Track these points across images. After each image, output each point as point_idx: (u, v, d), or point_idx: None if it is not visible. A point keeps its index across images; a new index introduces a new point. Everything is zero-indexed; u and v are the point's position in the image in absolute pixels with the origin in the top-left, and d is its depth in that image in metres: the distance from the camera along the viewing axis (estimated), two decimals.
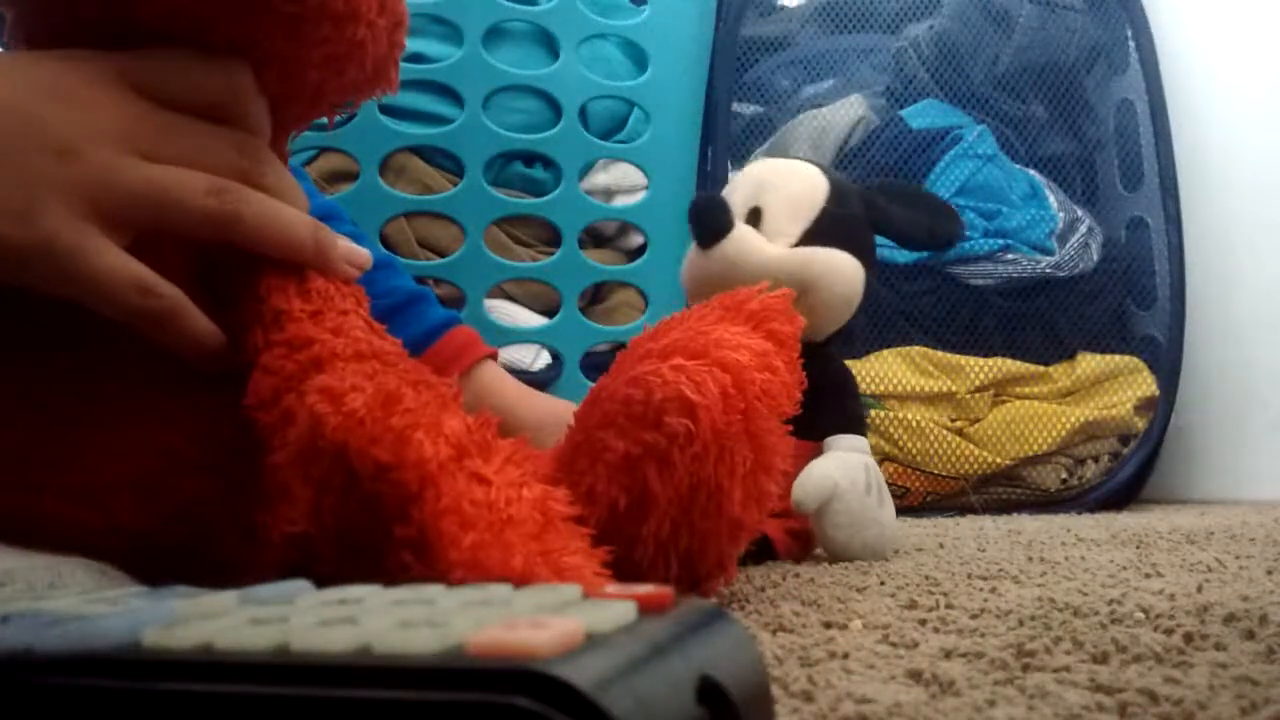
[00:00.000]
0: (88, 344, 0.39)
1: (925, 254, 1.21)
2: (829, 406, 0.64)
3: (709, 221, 0.63)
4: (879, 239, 0.69)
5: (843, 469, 0.63)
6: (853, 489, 0.63)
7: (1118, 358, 1.25)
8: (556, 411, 0.64)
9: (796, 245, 0.63)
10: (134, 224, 0.36)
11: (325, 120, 0.46)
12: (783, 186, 0.64)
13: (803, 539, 0.66)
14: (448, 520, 0.32)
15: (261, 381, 0.36)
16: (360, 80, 0.42)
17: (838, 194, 0.65)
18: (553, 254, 1.12)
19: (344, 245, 0.41)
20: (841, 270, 0.63)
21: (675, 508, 0.41)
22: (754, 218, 0.64)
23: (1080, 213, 1.29)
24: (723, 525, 0.42)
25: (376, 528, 0.32)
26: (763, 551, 0.64)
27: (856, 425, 0.66)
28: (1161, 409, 1.24)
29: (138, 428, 0.39)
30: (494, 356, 0.69)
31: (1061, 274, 1.24)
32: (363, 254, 0.42)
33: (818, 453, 0.65)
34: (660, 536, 0.41)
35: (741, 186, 0.66)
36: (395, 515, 0.32)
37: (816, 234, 0.63)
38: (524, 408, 0.66)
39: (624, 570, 0.43)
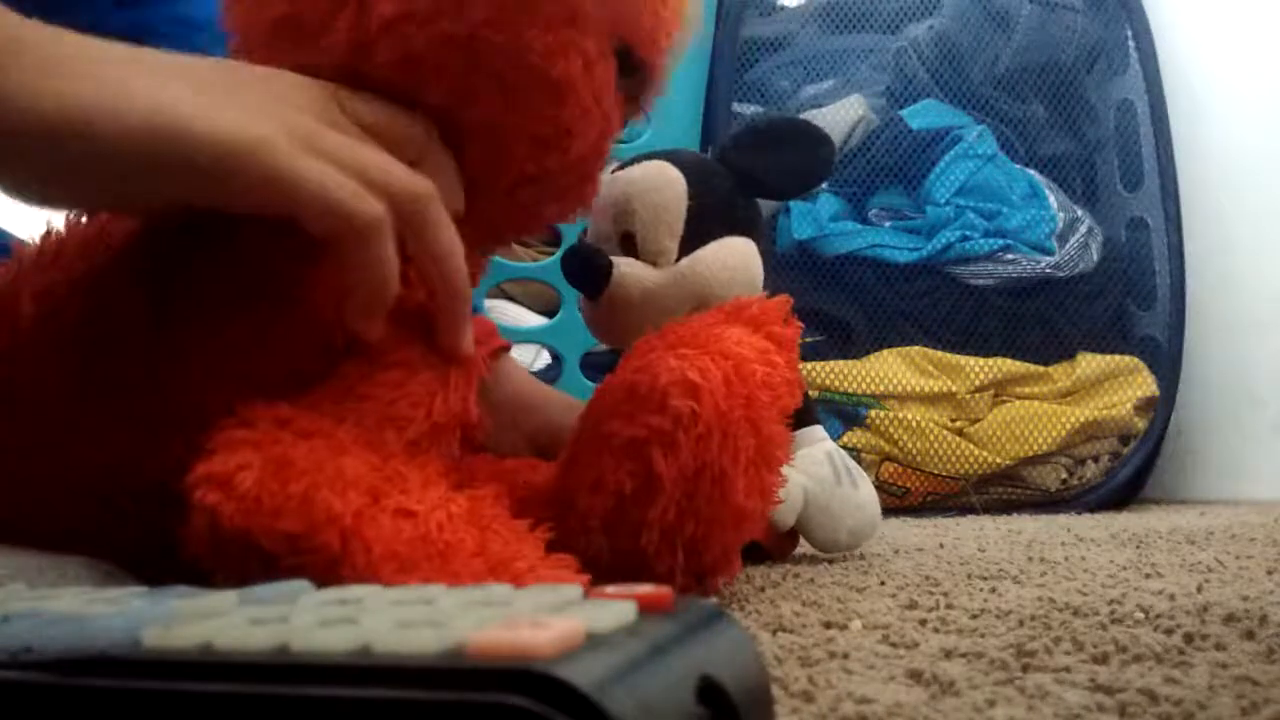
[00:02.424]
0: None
1: (925, 254, 1.21)
2: None
3: (586, 274, 0.60)
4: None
5: (806, 473, 0.63)
6: (821, 487, 0.63)
7: (1118, 358, 1.25)
8: (569, 402, 0.65)
9: (680, 257, 0.60)
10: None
11: None
12: (642, 202, 0.60)
13: (790, 533, 0.66)
14: (385, 569, 0.31)
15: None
16: (561, 173, 0.43)
17: (698, 183, 0.61)
18: (553, 254, 1.12)
19: (469, 335, 0.42)
20: (728, 262, 0.60)
21: (681, 491, 0.41)
22: (629, 243, 0.61)
23: (1080, 213, 1.29)
24: (728, 513, 0.43)
25: None
26: (754, 552, 0.64)
27: (809, 416, 0.66)
28: (1161, 409, 1.24)
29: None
30: (508, 349, 0.70)
31: (1061, 274, 1.24)
32: (471, 353, 0.42)
33: None
34: (666, 522, 0.42)
35: (604, 215, 0.62)
36: (329, 582, 0.31)
37: (693, 236, 0.60)
38: (542, 398, 0.67)
39: (631, 561, 0.43)
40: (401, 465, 0.36)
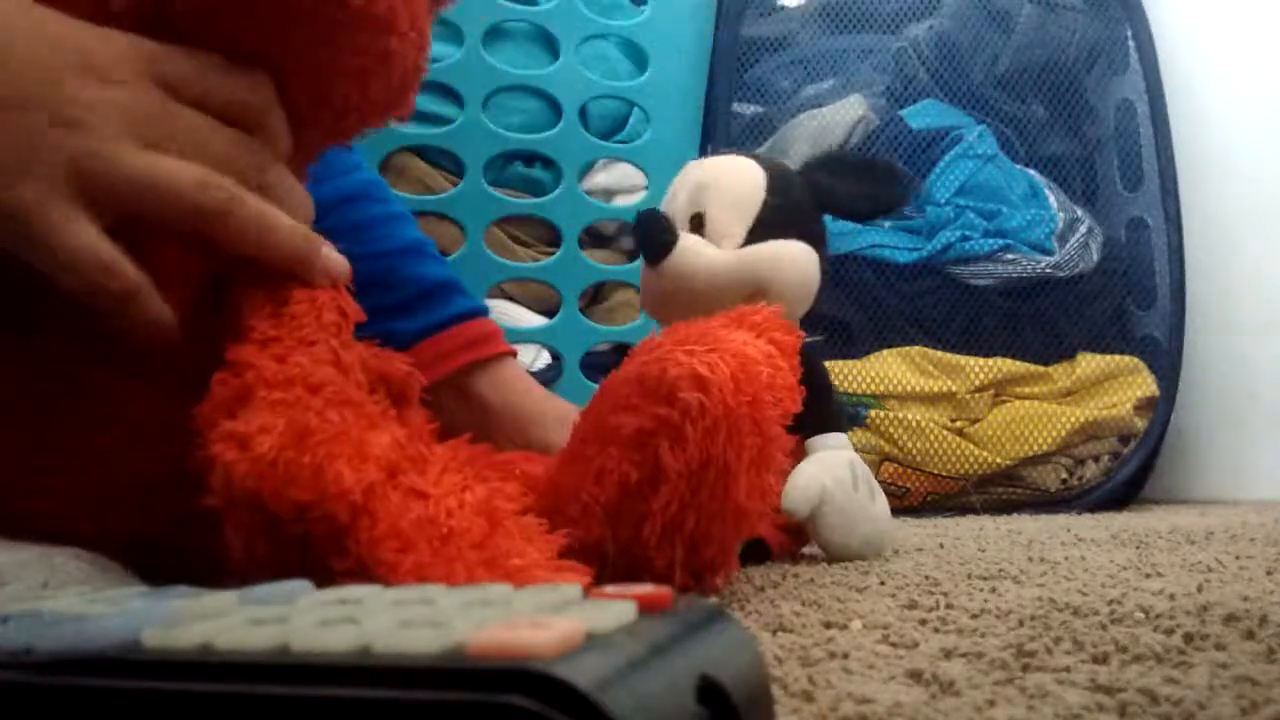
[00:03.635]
0: (97, 348, 0.39)
1: (925, 254, 1.21)
2: (808, 406, 0.63)
3: (652, 238, 0.62)
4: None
5: (828, 470, 0.63)
6: (840, 488, 0.63)
7: (1118, 358, 1.25)
8: (570, 412, 0.64)
9: (744, 244, 0.62)
10: (120, 208, 0.36)
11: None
12: (720, 187, 0.63)
13: (795, 535, 0.66)
14: (385, 546, 0.31)
15: (201, 407, 0.36)
16: (383, 97, 0.42)
17: (777, 184, 0.64)
18: (553, 254, 1.12)
19: (326, 255, 0.41)
20: (792, 261, 0.63)
21: (685, 483, 0.42)
22: (697, 223, 0.63)
23: (1080, 213, 1.29)
24: (728, 509, 0.43)
25: (312, 566, 0.31)
26: (759, 552, 0.64)
27: (836, 422, 0.66)
28: (1161, 409, 1.24)
29: (142, 437, 0.38)
30: (513, 354, 0.69)
31: (1061, 274, 1.24)
32: (343, 268, 0.42)
33: (800, 453, 0.65)
34: (669, 513, 0.42)
35: (681, 193, 0.65)
36: (330, 550, 0.31)
37: (762, 228, 0.62)
38: (540, 406, 0.66)
39: (630, 552, 0.43)
40: (425, 447, 0.36)
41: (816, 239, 0.65)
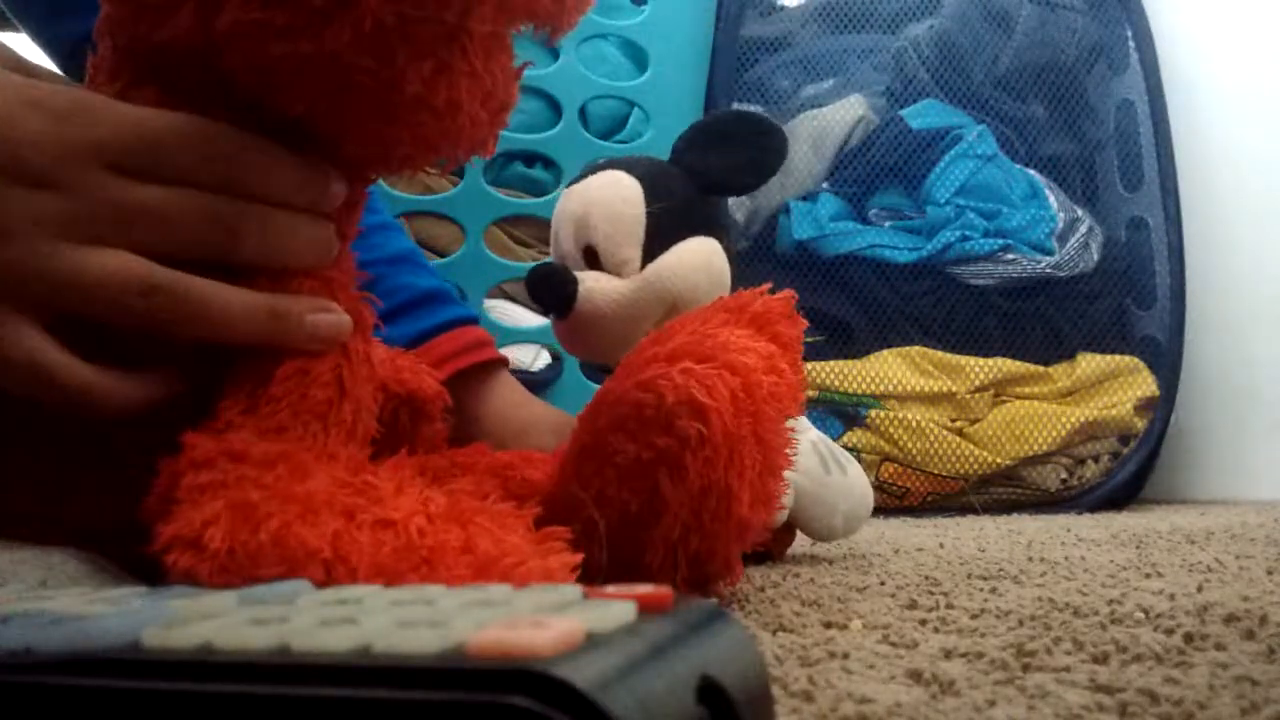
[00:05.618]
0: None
1: (925, 254, 1.21)
2: None
3: (553, 293, 0.59)
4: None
5: (794, 465, 0.63)
6: (809, 479, 0.63)
7: (1118, 358, 1.25)
8: (558, 424, 0.63)
9: (644, 262, 0.59)
10: (59, 309, 0.36)
11: None
12: (599, 214, 0.60)
13: (785, 529, 0.66)
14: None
15: (146, 501, 0.35)
16: (452, 155, 0.41)
17: (654, 189, 0.60)
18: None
19: (313, 321, 0.39)
20: (696, 265, 0.60)
21: (686, 510, 0.41)
22: (591, 256, 0.60)
23: (1080, 213, 1.29)
24: (731, 527, 0.42)
25: None
26: (759, 554, 0.64)
27: None
28: (1161, 409, 1.24)
29: (139, 479, 0.38)
30: (505, 362, 0.68)
31: (1061, 274, 1.24)
32: (338, 329, 0.40)
33: None
34: (670, 539, 0.41)
35: (564, 231, 0.62)
36: None
37: (655, 242, 0.59)
38: (532, 414, 0.66)
39: (633, 573, 0.43)
40: (371, 475, 0.35)
41: (711, 224, 0.62)
